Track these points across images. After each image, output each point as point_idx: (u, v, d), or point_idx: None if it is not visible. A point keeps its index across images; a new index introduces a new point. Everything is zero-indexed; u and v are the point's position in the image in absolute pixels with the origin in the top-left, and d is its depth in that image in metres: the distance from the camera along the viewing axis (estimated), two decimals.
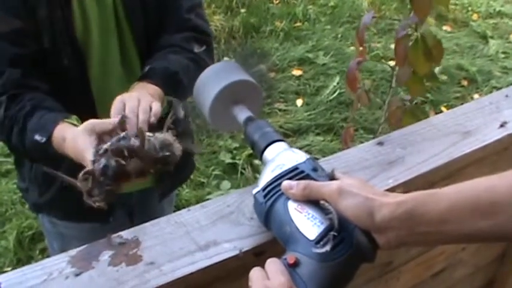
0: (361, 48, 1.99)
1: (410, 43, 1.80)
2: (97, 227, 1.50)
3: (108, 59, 1.38)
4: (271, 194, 0.78)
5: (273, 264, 0.69)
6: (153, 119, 1.13)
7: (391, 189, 0.96)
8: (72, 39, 1.30)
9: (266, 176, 0.81)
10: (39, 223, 1.68)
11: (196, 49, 1.43)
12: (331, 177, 0.79)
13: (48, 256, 0.85)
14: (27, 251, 2.80)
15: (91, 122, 1.10)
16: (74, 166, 1.08)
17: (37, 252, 2.79)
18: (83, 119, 1.15)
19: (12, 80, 1.25)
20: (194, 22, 1.46)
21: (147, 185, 1.48)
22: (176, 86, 1.34)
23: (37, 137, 1.18)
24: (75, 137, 1.10)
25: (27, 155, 1.28)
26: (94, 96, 1.37)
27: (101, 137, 1.07)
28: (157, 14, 1.40)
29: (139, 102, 1.13)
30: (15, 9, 1.24)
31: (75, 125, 1.16)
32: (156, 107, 1.15)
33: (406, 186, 0.98)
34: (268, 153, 0.86)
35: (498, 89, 1.32)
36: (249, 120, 0.92)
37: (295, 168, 0.80)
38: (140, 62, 1.41)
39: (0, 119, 1.24)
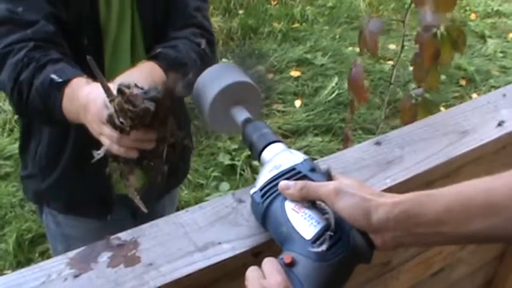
0: (373, 55, 2.01)
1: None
2: (99, 228, 1.52)
3: (121, 45, 1.40)
4: (268, 194, 0.79)
5: (269, 264, 0.69)
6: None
7: (389, 189, 0.96)
8: (95, 21, 1.31)
9: (263, 177, 0.81)
10: (44, 225, 1.68)
11: (203, 45, 1.44)
12: (329, 178, 0.80)
13: (49, 257, 0.85)
14: (26, 254, 2.80)
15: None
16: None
17: (37, 254, 2.79)
18: None
19: (45, 31, 1.22)
20: (201, 21, 1.48)
21: (142, 186, 1.49)
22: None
23: (53, 76, 1.13)
24: (97, 85, 1.01)
25: (28, 98, 1.19)
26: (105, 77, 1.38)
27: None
28: (165, 10, 1.42)
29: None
30: None
31: None
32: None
33: (404, 186, 0.98)
34: (266, 154, 0.86)
35: (496, 88, 1.33)
36: (247, 121, 0.92)
37: (293, 168, 0.80)
38: (146, 55, 1.41)
39: (18, 58, 1.18)
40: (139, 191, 1.08)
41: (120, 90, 0.90)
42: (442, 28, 1.84)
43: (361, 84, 2.01)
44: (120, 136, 0.97)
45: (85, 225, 1.56)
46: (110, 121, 0.94)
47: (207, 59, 1.42)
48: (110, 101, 0.92)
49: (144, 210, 1.08)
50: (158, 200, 1.66)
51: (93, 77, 1.03)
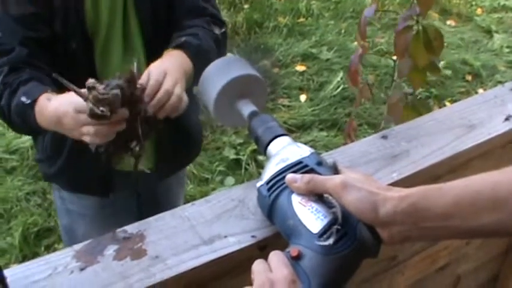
0: (362, 41, 1.98)
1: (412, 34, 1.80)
2: (101, 205, 1.66)
3: (112, 45, 1.44)
4: (275, 187, 0.78)
5: (276, 257, 0.69)
6: (168, 111, 1.21)
7: (395, 183, 0.96)
8: (82, 25, 1.37)
9: (270, 170, 0.81)
10: (54, 201, 1.82)
11: (217, 31, 1.51)
12: (335, 171, 0.79)
13: (55, 251, 0.86)
14: (32, 248, 2.81)
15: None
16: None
17: (42, 248, 2.79)
18: None
19: (20, 56, 1.32)
20: (211, 11, 1.55)
21: (145, 167, 1.53)
22: (205, 65, 1.38)
23: (23, 99, 1.25)
24: (62, 97, 1.19)
25: (11, 119, 1.33)
26: (98, 77, 1.41)
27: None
28: (166, 4, 1.46)
29: (164, 77, 1.21)
30: None
31: None
32: (178, 92, 1.22)
33: (411, 180, 0.97)
34: (273, 148, 0.86)
35: (503, 83, 1.31)
36: (253, 114, 0.92)
37: (300, 162, 0.80)
38: (145, 49, 1.46)
39: None
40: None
41: (89, 88, 1.07)
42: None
43: (356, 71, 1.99)
44: (96, 129, 1.12)
45: (87, 202, 1.67)
46: (92, 113, 1.08)
47: (222, 45, 1.52)
48: (85, 100, 1.08)
49: (147, 171, 1.31)
50: (161, 179, 1.71)
51: (79, 78, 1.19)
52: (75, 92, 1.09)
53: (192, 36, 1.40)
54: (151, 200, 1.75)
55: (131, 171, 1.30)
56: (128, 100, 1.13)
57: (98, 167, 1.30)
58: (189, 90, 1.36)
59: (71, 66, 1.37)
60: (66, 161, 1.55)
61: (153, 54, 1.40)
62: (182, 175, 1.89)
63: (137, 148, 1.22)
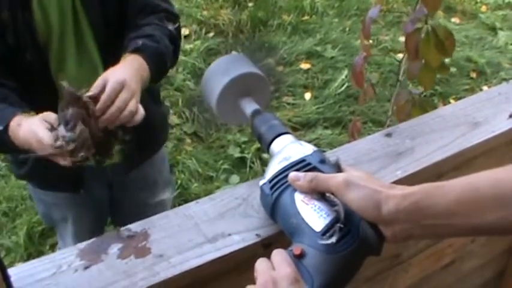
0: (366, 42, 1.98)
1: (422, 36, 1.79)
2: (74, 198, 1.71)
3: (65, 51, 1.45)
4: (277, 185, 0.78)
5: (279, 255, 0.69)
6: (123, 120, 1.22)
7: (400, 181, 0.96)
8: (34, 36, 1.37)
9: (273, 168, 0.81)
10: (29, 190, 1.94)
11: (171, 26, 1.51)
12: (338, 170, 0.79)
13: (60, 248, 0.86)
14: (37, 246, 2.82)
15: (45, 114, 1.22)
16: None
17: (47, 247, 2.80)
18: (47, 106, 1.25)
19: None
20: (164, 6, 1.55)
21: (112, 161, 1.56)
22: (162, 68, 1.45)
23: None
24: (31, 123, 1.21)
25: None
26: (56, 84, 1.43)
27: (52, 126, 1.19)
28: (117, 8, 1.46)
29: (122, 88, 1.21)
30: None
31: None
32: (132, 108, 1.22)
33: (415, 178, 0.97)
34: (275, 146, 0.86)
35: (507, 81, 1.30)
36: (256, 113, 0.92)
37: (302, 160, 0.80)
38: (98, 48, 1.47)
39: None
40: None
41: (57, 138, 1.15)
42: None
43: (360, 72, 1.99)
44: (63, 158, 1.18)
45: (58, 194, 1.72)
46: (75, 162, 1.17)
47: (177, 41, 1.52)
48: (63, 154, 1.16)
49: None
50: (131, 169, 1.72)
51: (38, 87, 1.30)
52: (54, 155, 1.17)
53: (149, 39, 1.40)
54: (125, 188, 1.78)
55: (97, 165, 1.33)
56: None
57: (65, 167, 1.32)
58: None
59: (29, 78, 1.38)
60: (34, 165, 1.56)
61: (107, 54, 1.43)
62: (159, 156, 1.87)
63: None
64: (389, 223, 0.71)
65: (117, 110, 1.20)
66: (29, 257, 2.74)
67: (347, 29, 4.83)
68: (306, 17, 4.98)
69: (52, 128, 1.18)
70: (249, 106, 0.94)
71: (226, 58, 0.99)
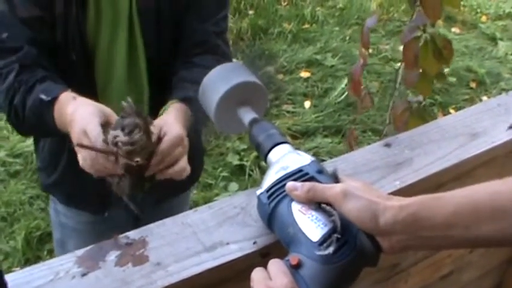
0: (364, 51, 1.98)
1: (420, 44, 1.79)
2: (95, 222, 1.63)
3: (114, 62, 1.41)
4: (275, 195, 0.78)
5: (275, 265, 0.69)
6: (172, 175, 1.18)
7: (398, 191, 0.96)
8: (83, 37, 1.34)
9: (270, 178, 0.81)
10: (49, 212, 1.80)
11: None
12: (336, 180, 0.79)
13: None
14: (35, 251, 2.81)
15: (103, 106, 1.16)
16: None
17: (45, 252, 2.80)
18: None
19: (30, 55, 1.30)
20: (223, 49, 1.49)
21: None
22: (203, 124, 1.40)
23: (42, 96, 1.22)
24: (86, 103, 1.16)
25: (24, 118, 1.29)
26: (98, 93, 1.41)
27: (106, 121, 1.13)
28: (172, 32, 1.42)
29: (179, 144, 1.17)
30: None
31: None
32: (182, 165, 1.19)
33: (414, 188, 0.97)
34: (273, 155, 0.85)
35: (507, 91, 1.30)
36: (254, 121, 0.92)
37: (300, 170, 0.80)
38: (148, 72, 1.43)
39: (8, 83, 1.27)
40: (129, 196, 1.20)
41: (114, 142, 1.05)
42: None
43: (358, 81, 1.99)
44: (92, 159, 1.10)
45: (81, 217, 1.65)
46: (128, 168, 1.08)
47: None
48: (115, 157, 1.07)
49: (136, 211, 1.25)
50: (158, 204, 1.66)
51: (79, 90, 1.22)
52: (101, 152, 1.06)
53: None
54: (149, 217, 1.72)
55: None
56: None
57: (94, 184, 1.28)
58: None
59: (69, 80, 1.34)
60: (63, 174, 1.54)
61: (153, 77, 1.41)
62: (185, 196, 1.85)
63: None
64: (386, 234, 0.71)
65: (169, 164, 1.17)
66: (27, 262, 2.73)
67: (347, 37, 4.84)
68: (306, 26, 4.99)
69: (105, 125, 1.11)
70: (247, 115, 0.93)
71: (224, 67, 0.98)
